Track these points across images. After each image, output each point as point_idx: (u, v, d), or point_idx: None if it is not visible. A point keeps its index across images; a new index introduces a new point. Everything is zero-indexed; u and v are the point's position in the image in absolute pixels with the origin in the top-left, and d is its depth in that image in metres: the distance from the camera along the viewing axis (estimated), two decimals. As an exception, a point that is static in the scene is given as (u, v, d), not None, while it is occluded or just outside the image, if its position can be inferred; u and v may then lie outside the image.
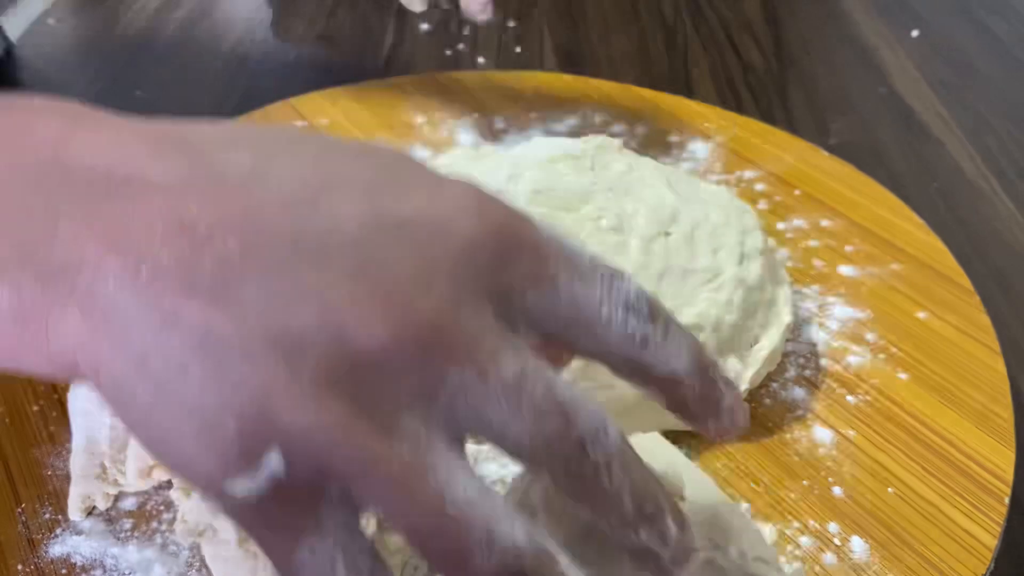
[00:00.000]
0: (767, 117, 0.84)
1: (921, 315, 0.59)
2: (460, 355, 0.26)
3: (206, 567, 0.47)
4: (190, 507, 0.44)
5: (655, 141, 0.76)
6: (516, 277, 0.28)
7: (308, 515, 0.25)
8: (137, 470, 0.51)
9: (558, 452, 0.26)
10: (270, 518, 0.25)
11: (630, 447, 0.28)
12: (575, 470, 0.27)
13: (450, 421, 0.26)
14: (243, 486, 0.24)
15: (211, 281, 0.25)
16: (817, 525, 0.49)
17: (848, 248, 0.65)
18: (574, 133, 0.77)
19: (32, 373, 0.28)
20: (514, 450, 0.27)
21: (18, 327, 0.26)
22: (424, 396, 0.25)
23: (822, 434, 0.53)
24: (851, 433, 0.53)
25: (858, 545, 0.48)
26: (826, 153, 0.74)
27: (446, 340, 0.26)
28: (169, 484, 0.51)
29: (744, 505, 0.49)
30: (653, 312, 0.29)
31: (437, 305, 0.26)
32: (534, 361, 0.27)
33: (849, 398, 0.55)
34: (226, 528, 0.43)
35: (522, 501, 0.36)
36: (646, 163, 0.61)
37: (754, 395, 0.55)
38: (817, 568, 0.47)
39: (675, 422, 0.32)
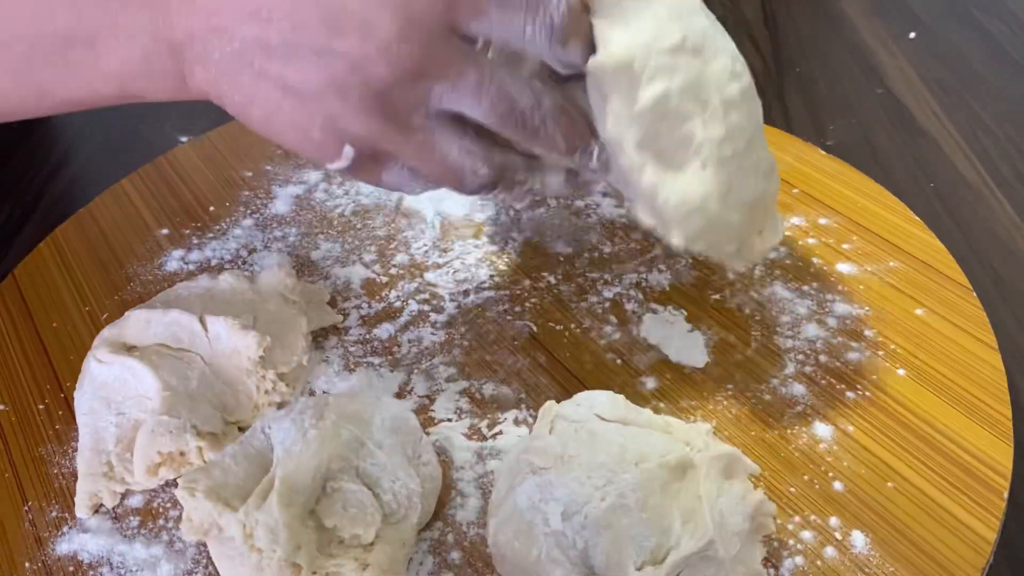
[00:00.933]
0: (765, 118, 0.84)
1: (919, 312, 0.60)
2: (437, 74, 0.43)
3: (213, 564, 0.48)
4: (194, 506, 0.45)
5: (654, 142, 0.76)
6: (461, 13, 0.43)
7: (378, 167, 0.47)
8: (144, 468, 0.52)
9: (508, 122, 0.45)
10: (355, 172, 0.47)
11: (562, 107, 0.45)
12: (522, 129, 0.45)
13: (440, 113, 0.45)
14: (335, 164, 0.45)
15: (280, 49, 0.42)
16: (818, 519, 0.49)
17: (846, 246, 0.66)
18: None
19: (180, 99, 0.47)
20: (481, 121, 0.45)
21: (163, 80, 0.46)
22: (422, 102, 0.44)
23: (822, 430, 0.54)
24: (850, 428, 0.53)
25: (859, 539, 0.48)
26: (824, 152, 0.75)
27: (426, 68, 0.43)
28: (175, 482, 0.52)
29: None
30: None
31: (416, 48, 0.42)
32: (488, 67, 0.43)
33: (848, 394, 0.55)
34: (230, 526, 0.44)
35: None
36: None
37: (754, 391, 0.56)
38: (819, 562, 0.47)
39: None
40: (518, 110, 0.44)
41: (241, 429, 0.54)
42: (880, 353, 0.58)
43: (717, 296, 0.63)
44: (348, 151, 0.45)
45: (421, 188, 0.48)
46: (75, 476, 0.53)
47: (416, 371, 0.59)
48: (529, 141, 0.46)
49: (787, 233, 0.67)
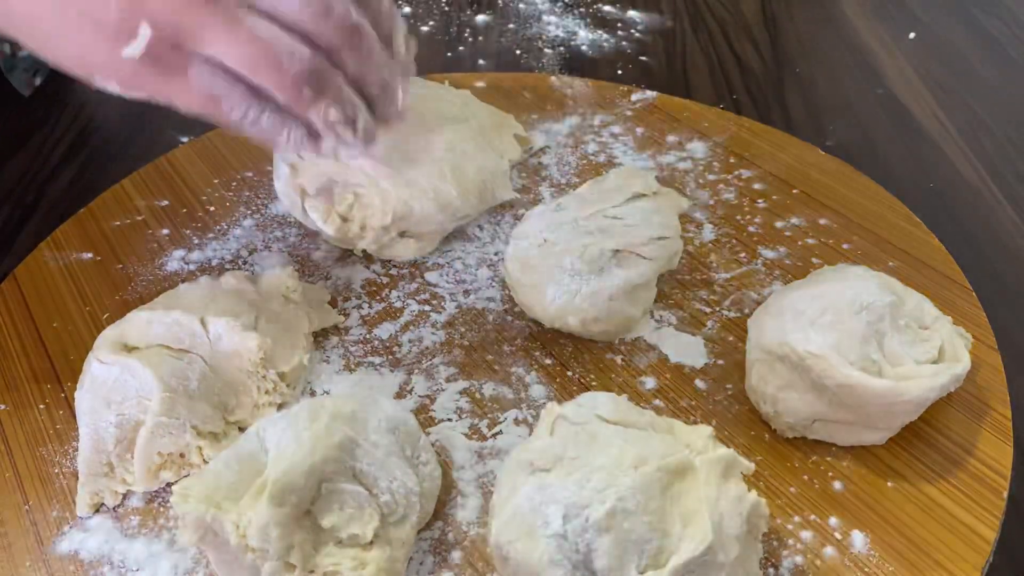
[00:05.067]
0: (765, 119, 0.85)
1: (919, 312, 0.60)
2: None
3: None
4: (188, 512, 0.45)
5: (654, 141, 0.77)
6: None
7: (180, 61, 0.43)
8: (144, 470, 0.52)
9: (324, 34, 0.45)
10: (156, 69, 0.43)
11: (376, 45, 0.48)
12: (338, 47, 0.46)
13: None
14: (129, 50, 0.41)
15: None
16: (818, 519, 0.49)
17: (846, 246, 0.66)
18: (573, 133, 0.78)
19: None
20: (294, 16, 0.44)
21: None
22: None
23: (822, 430, 0.54)
24: (850, 429, 0.54)
25: (858, 539, 0.48)
26: (824, 152, 0.75)
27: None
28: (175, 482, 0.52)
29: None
30: None
31: None
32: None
33: (848, 394, 0.55)
34: (224, 528, 0.44)
35: None
36: None
37: (754, 392, 0.56)
38: (818, 562, 0.47)
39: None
40: (288, 59, 0.44)
41: (241, 429, 0.54)
42: (880, 353, 0.58)
43: (717, 296, 0.63)
44: (145, 30, 0.41)
45: (239, 111, 0.45)
46: (76, 476, 0.53)
47: (416, 371, 0.59)
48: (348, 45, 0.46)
49: (787, 234, 0.67)
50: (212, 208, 0.72)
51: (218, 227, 0.71)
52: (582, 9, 1.05)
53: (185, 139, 0.82)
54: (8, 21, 0.43)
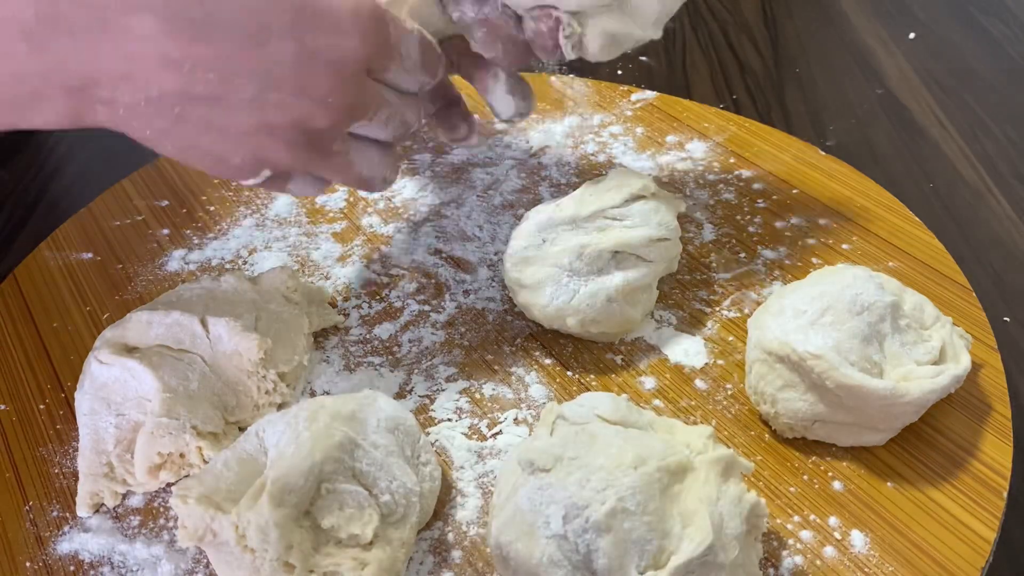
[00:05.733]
0: (765, 119, 0.85)
1: (919, 312, 0.60)
2: (359, 115, 0.50)
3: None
4: (188, 513, 0.45)
5: (654, 141, 0.77)
6: (375, 64, 0.50)
7: (287, 180, 0.51)
8: (145, 470, 0.52)
9: (404, 138, 0.55)
10: (265, 186, 0.50)
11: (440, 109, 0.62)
12: (411, 138, 0.66)
13: (354, 135, 0.52)
14: (248, 183, 0.50)
15: (205, 98, 0.45)
16: (817, 519, 0.49)
17: (846, 246, 0.66)
18: (573, 134, 0.78)
19: (70, 127, 0.46)
20: (384, 140, 0.54)
21: (54, 116, 0.45)
22: (342, 134, 0.51)
23: (822, 430, 0.54)
24: (850, 429, 0.54)
25: (858, 538, 0.48)
26: (824, 152, 0.75)
27: (351, 111, 0.49)
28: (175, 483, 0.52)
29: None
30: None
31: (345, 98, 0.48)
32: (395, 102, 0.52)
33: (848, 394, 0.55)
34: (224, 529, 0.44)
35: None
36: None
37: (754, 392, 0.56)
38: (818, 562, 0.47)
39: None
40: (410, 127, 0.54)
41: (241, 429, 0.54)
42: (880, 353, 0.58)
43: (717, 296, 0.63)
44: (266, 173, 0.49)
45: (321, 192, 0.55)
46: (76, 476, 0.53)
47: (416, 371, 0.59)
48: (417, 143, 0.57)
49: (787, 234, 0.67)
50: (212, 208, 0.72)
51: (218, 227, 0.71)
52: (582, 9, 1.05)
53: (185, 139, 0.82)
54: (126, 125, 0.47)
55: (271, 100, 0.45)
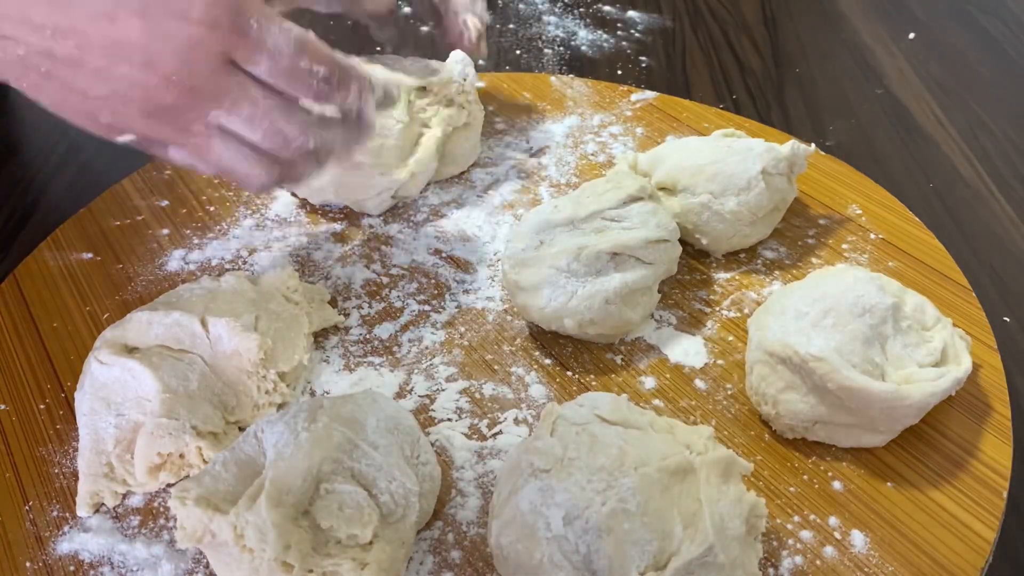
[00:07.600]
0: (765, 119, 0.85)
1: (919, 312, 0.60)
2: (211, 101, 0.49)
3: (213, 563, 0.48)
4: (187, 514, 0.45)
5: (654, 141, 0.77)
6: (237, 54, 0.48)
7: (163, 147, 0.51)
8: (145, 470, 0.52)
9: (282, 149, 0.52)
10: (144, 148, 0.51)
11: (328, 126, 0.53)
12: (292, 152, 0.51)
13: (219, 125, 0.50)
14: (121, 140, 0.50)
15: (64, 60, 0.47)
16: (817, 519, 0.49)
17: (845, 246, 0.66)
18: (572, 134, 0.78)
19: None
20: (257, 144, 0.51)
21: None
22: (199, 118, 0.49)
23: (822, 430, 0.54)
24: (850, 429, 0.54)
25: (858, 538, 0.48)
26: (824, 152, 0.75)
27: (202, 95, 0.48)
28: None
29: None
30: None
31: (193, 79, 0.48)
32: (262, 103, 0.50)
33: (848, 394, 0.55)
34: (222, 529, 0.44)
35: None
36: None
37: (754, 392, 0.56)
38: (818, 561, 0.47)
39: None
40: (290, 141, 0.51)
41: (241, 429, 0.54)
42: (880, 353, 0.58)
43: (716, 296, 0.63)
44: (129, 136, 0.50)
45: (208, 171, 0.53)
46: (76, 476, 0.53)
47: (416, 371, 0.59)
48: (302, 160, 0.53)
49: (787, 234, 0.67)
50: (212, 208, 0.72)
51: (218, 227, 0.71)
52: (582, 9, 1.05)
53: (185, 139, 0.82)
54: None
55: (121, 72, 0.47)
